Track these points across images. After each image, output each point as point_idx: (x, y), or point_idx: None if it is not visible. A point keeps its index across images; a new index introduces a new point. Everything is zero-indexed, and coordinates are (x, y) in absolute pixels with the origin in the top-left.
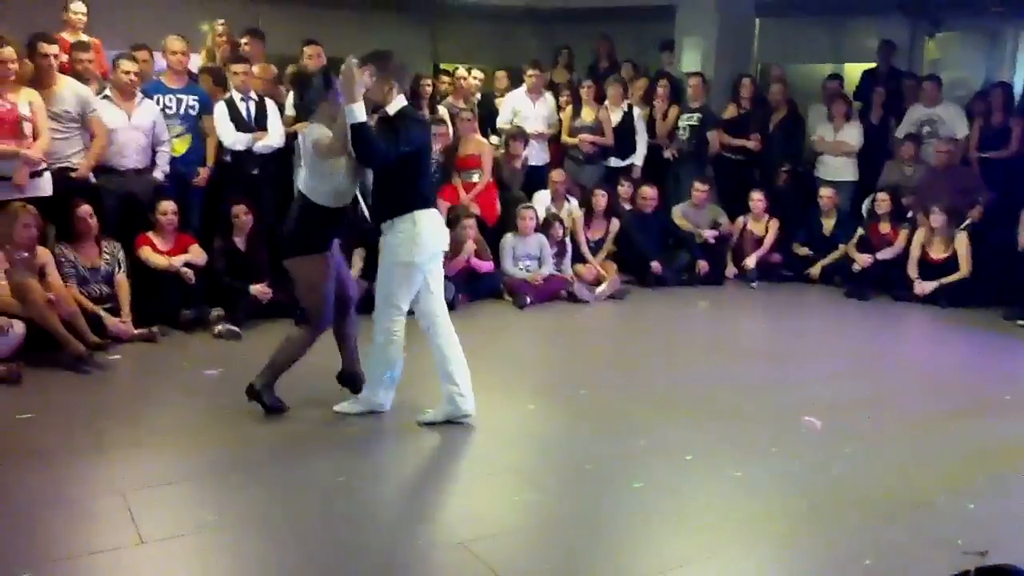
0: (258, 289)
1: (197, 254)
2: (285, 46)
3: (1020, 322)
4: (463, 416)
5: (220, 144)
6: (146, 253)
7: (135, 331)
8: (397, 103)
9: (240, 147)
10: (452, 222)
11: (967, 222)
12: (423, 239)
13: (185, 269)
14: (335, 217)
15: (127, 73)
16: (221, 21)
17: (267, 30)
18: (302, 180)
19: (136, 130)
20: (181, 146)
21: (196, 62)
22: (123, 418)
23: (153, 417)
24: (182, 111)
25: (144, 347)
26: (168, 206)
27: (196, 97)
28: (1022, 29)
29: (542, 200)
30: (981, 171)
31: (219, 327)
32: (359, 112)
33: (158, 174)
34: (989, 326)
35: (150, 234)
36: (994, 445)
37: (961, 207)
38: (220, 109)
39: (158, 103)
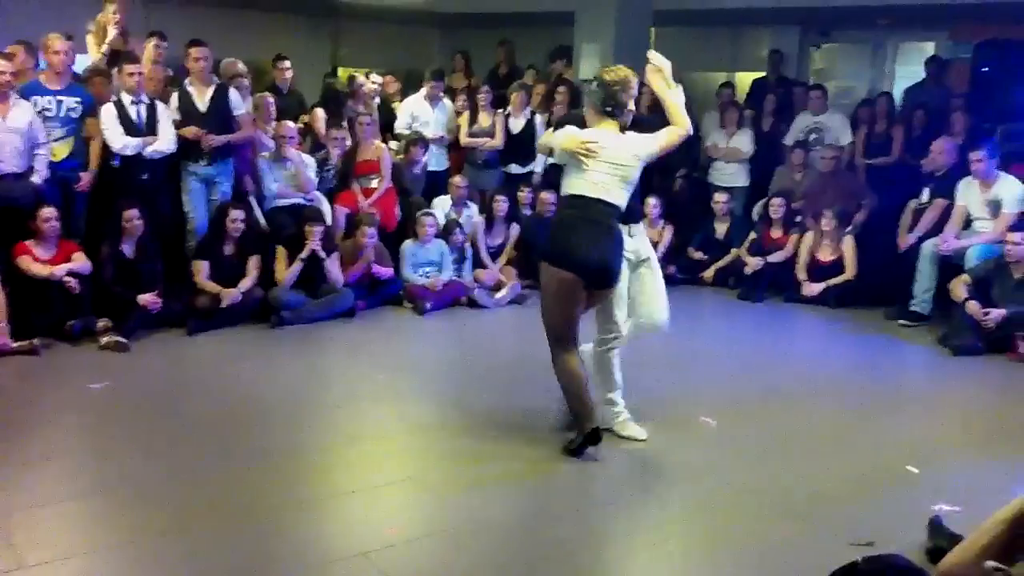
0: (147, 299)
1: (81, 262)
2: (180, 48)
3: (901, 321)
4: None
5: (106, 148)
6: (25, 262)
7: (14, 344)
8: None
9: (130, 152)
10: (352, 229)
11: (852, 226)
12: None
13: (68, 278)
14: None
15: (1, 73)
16: (113, 8)
17: (160, 30)
18: (616, 195)
19: (11, 132)
20: (62, 150)
21: (83, 62)
22: (3, 435)
23: (36, 434)
24: (62, 113)
25: (25, 361)
26: (49, 212)
27: (78, 99)
28: (901, 41)
29: (442, 206)
30: (866, 177)
31: (106, 338)
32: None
33: (36, 179)
34: (873, 326)
35: (29, 242)
36: (883, 440)
37: (847, 211)
38: (108, 111)
39: (36, 105)
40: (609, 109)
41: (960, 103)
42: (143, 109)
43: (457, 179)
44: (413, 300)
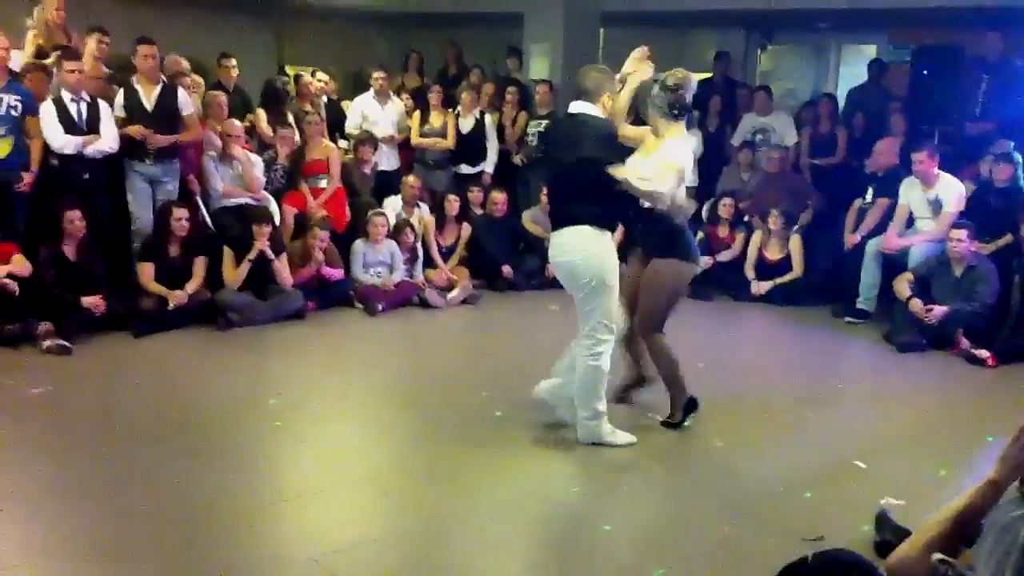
0: (92, 301)
1: (20, 264)
2: (122, 45)
3: (847, 319)
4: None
5: (47, 147)
6: None
7: None
8: None
9: (70, 151)
10: (301, 230)
11: (799, 225)
12: None
13: (7, 280)
14: None
15: None
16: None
17: (102, 26)
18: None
19: None
20: (2, 149)
21: (19, 60)
22: None
23: None
24: (3, 111)
25: None
26: None
27: (19, 96)
28: (844, 44)
29: (393, 206)
30: (811, 177)
31: (48, 342)
32: None
33: None
34: (820, 323)
35: None
36: (831, 436)
37: (793, 211)
38: (47, 109)
39: None
40: (676, 112)
41: (899, 105)
42: (84, 107)
43: (411, 179)
44: (364, 301)
